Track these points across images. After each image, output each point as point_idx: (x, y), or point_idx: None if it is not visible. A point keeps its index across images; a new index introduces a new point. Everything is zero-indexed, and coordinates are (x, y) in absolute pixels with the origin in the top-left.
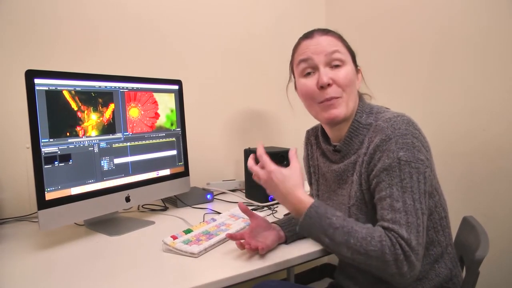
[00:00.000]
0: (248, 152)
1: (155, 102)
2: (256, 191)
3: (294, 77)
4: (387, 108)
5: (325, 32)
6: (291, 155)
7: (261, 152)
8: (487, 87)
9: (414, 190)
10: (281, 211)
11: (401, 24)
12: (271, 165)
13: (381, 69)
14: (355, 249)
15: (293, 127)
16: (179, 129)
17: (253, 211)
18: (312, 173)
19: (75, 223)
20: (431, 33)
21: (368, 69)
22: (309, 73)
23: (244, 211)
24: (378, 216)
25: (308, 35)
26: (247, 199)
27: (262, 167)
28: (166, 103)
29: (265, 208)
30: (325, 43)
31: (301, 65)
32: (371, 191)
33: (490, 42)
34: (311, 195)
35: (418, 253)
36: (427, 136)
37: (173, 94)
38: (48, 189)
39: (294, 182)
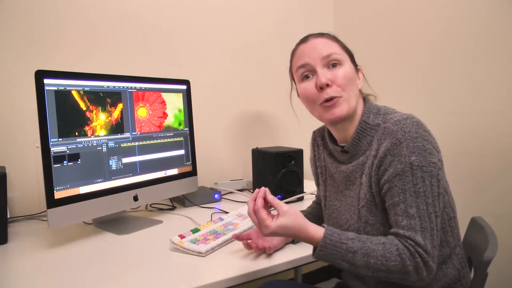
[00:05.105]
0: (256, 152)
1: (163, 102)
2: None
3: (295, 84)
4: (393, 109)
5: (320, 35)
6: (271, 200)
7: (250, 211)
8: (496, 86)
9: (427, 194)
10: None
11: (409, 22)
12: (269, 225)
13: (389, 67)
14: (376, 268)
15: (301, 127)
16: (187, 128)
17: None
18: (320, 174)
19: (83, 221)
20: (441, 30)
21: (375, 66)
22: (307, 76)
23: None
24: (392, 221)
25: (303, 40)
26: None
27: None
28: (174, 103)
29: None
30: (321, 45)
31: (299, 71)
32: (381, 195)
33: (501, 41)
34: (318, 196)
35: (434, 255)
36: (435, 135)
37: (181, 94)
38: (57, 188)
39: (296, 226)
